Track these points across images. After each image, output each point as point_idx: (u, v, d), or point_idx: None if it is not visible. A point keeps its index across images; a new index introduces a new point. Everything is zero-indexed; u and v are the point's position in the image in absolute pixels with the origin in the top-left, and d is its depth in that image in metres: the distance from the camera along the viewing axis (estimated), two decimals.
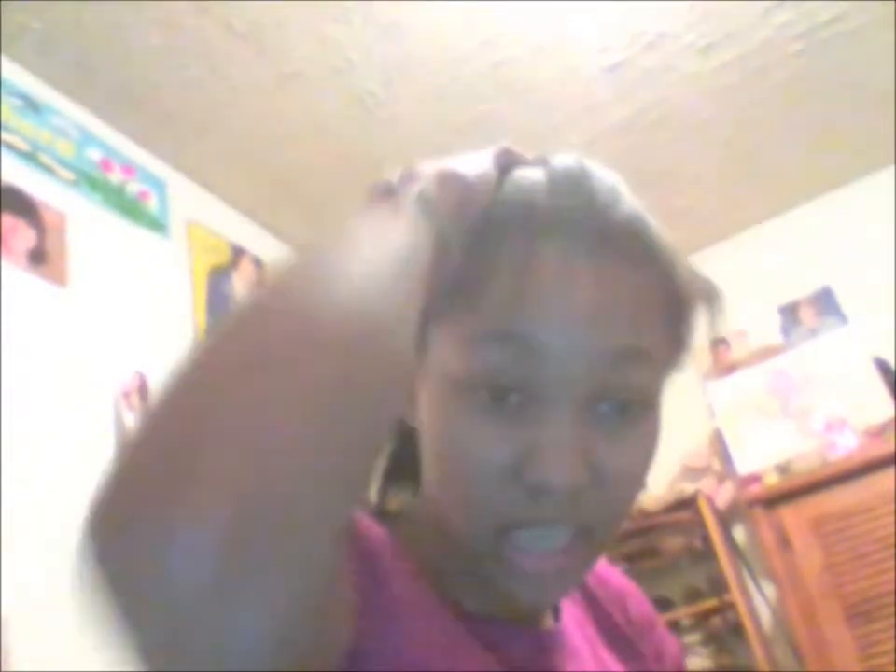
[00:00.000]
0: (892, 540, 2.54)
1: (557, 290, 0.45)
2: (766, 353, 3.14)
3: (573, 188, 0.47)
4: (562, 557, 0.46)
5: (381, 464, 0.60)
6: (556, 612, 0.58)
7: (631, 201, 0.50)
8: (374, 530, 0.50)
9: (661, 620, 0.66)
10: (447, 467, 0.48)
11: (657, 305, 0.49)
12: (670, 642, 0.66)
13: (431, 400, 0.49)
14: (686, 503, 2.96)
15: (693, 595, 3.00)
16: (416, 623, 0.47)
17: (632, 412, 0.47)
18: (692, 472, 3.12)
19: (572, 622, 0.59)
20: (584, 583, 0.63)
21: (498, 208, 0.47)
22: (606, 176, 0.50)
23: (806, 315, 3.23)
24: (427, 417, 0.49)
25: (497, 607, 0.52)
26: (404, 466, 0.59)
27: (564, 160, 0.49)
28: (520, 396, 0.45)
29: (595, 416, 0.46)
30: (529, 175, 0.48)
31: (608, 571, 0.67)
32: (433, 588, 0.50)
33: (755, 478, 2.91)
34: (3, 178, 2.01)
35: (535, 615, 0.56)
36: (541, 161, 0.50)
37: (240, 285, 2.69)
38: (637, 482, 0.49)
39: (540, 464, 0.44)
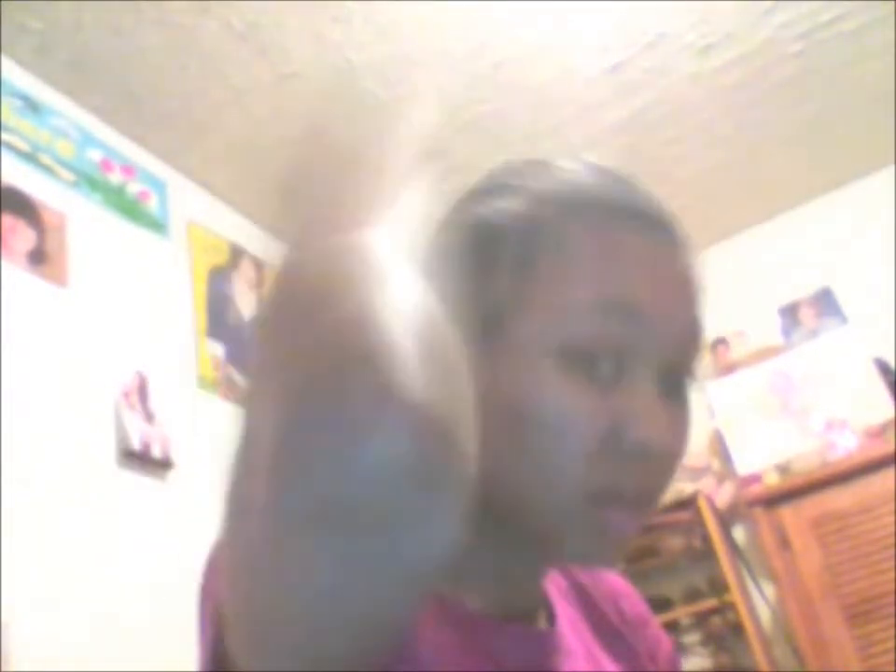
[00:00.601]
0: (892, 540, 2.54)
1: (649, 263, 0.49)
2: (766, 353, 3.14)
3: (624, 179, 0.53)
4: (634, 522, 0.49)
5: None
6: (550, 613, 0.58)
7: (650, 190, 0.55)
8: None
9: (655, 619, 0.67)
10: (535, 435, 0.48)
11: (697, 289, 0.53)
12: (664, 641, 0.66)
13: (517, 374, 0.49)
14: (686, 503, 2.96)
15: (693, 595, 3.00)
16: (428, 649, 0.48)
17: (685, 388, 0.51)
18: (691, 472, 3.12)
19: (566, 622, 0.59)
20: (578, 581, 0.63)
21: (564, 195, 0.51)
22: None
23: (806, 315, 3.23)
24: (505, 389, 0.49)
25: (500, 604, 0.53)
26: None
27: (586, 159, 0.54)
28: (612, 364, 0.48)
29: (663, 389, 0.49)
30: (577, 169, 0.53)
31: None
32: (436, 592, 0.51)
33: (755, 478, 2.91)
34: (3, 179, 2.01)
35: (533, 613, 0.56)
36: (546, 164, 0.53)
37: (240, 285, 2.69)
38: (682, 459, 0.51)
39: (641, 429, 0.47)
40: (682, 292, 0.50)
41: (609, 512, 0.48)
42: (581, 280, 0.49)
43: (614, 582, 0.67)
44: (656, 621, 0.66)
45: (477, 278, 0.51)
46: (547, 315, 0.49)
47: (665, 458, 0.49)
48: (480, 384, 0.49)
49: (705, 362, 3.18)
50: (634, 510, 0.49)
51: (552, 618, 0.58)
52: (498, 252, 0.51)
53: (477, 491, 0.50)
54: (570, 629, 0.58)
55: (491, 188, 0.55)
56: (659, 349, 0.49)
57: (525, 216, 0.51)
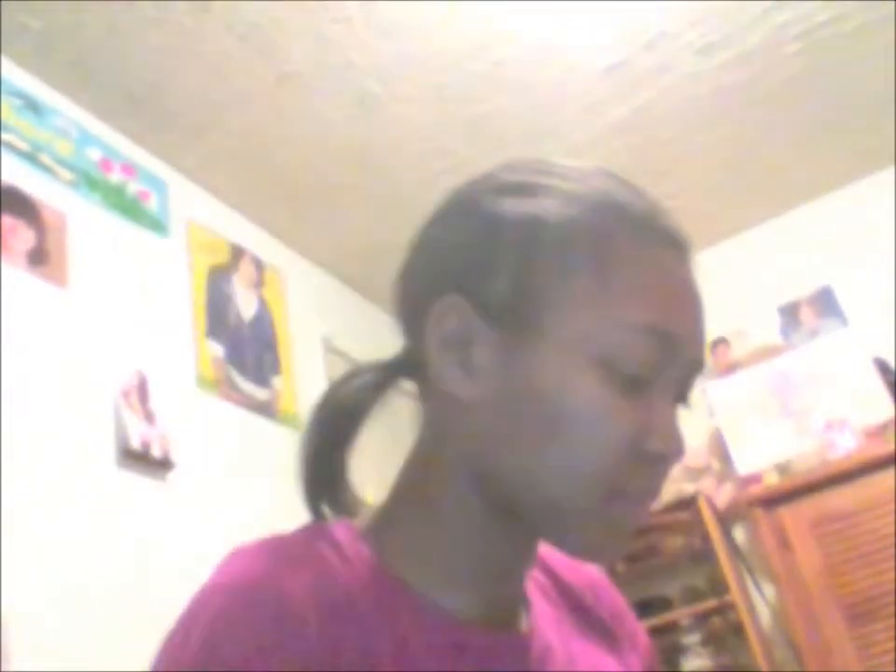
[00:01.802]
0: (892, 540, 2.53)
1: (683, 290, 0.54)
2: (766, 353, 3.13)
3: (656, 202, 0.56)
4: (639, 515, 0.53)
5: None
6: (530, 612, 0.59)
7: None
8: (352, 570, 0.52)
9: (632, 612, 0.69)
10: (567, 433, 0.50)
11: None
12: (641, 634, 0.68)
13: (556, 371, 0.51)
14: (686, 503, 2.96)
15: (693, 596, 3.00)
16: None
17: (688, 399, 0.55)
18: (691, 472, 3.12)
19: (548, 620, 0.60)
20: (558, 576, 0.65)
21: (616, 206, 0.53)
22: None
23: (806, 315, 3.23)
24: (539, 384, 0.51)
25: (485, 604, 0.55)
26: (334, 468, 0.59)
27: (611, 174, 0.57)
28: (644, 379, 0.51)
29: (677, 397, 0.54)
30: (625, 191, 0.55)
31: (574, 560, 0.68)
32: (415, 596, 0.53)
33: (755, 478, 2.91)
34: (3, 178, 2.01)
35: (513, 614, 0.57)
36: (580, 173, 0.56)
37: (239, 285, 2.69)
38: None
39: (663, 440, 0.51)
40: (701, 315, 0.54)
41: (618, 506, 0.51)
42: (631, 300, 0.51)
43: (592, 574, 0.68)
44: (632, 614, 0.68)
45: (515, 267, 0.52)
46: (593, 322, 0.51)
47: (673, 462, 0.53)
48: (511, 371, 0.51)
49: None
50: (638, 504, 0.53)
51: (531, 620, 0.58)
52: (541, 247, 0.52)
53: (490, 480, 0.52)
54: (551, 628, 0.59)
55: (524, 185, 0.55)
56: (681, 367, 0.53)
57: (575, 219, 0.52)
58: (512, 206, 0.53)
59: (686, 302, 0.53)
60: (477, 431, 0.53)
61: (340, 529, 0.54)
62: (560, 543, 0.54)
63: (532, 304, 0.51)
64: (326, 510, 0.58)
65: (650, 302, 0.51)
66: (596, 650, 0.62)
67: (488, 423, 0.52)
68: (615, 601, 0.67)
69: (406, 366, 0.59)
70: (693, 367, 0.54)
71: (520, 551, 0.57)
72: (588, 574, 0.67)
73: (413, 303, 0.57)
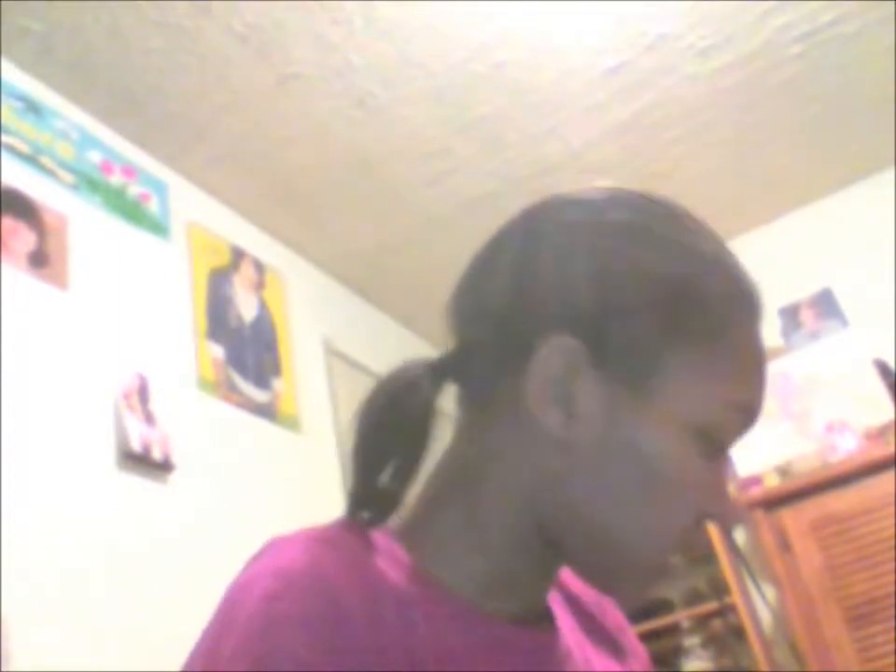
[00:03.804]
0: (893, 542, 2.53)
1: (765, 364, 0.58)
2: (767, 354, 3.13)
3: (744, 267, 0.59)
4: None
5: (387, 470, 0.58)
6: (552, 620, 0.60)
7: None
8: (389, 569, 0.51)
9: (630, 627, 0.70)
10: (660, 496, 0.52)
11: None
12: (640, 647, 0.69)
13: (658, 436, 0.52)
14: None
15: (694, 598, 3.00)
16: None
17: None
18: None
19: (565, 628, 0.61)
20: (569, 591, 0.66)
21: (738, 292, 0.57)
22: None
23: (807, 316, 3.23)
24: (640, 444, 0.52)
25: (517, 611, 0.56)
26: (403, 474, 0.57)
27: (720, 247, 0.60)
28: (726, 449, 0.55)
29: None
30: (737, 266, 0.59)
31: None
32: (450, 594, 0.53)
33: (755, 480, 2.91)
34: (3, 180, 2.01)
35: (543, 617, 0.59)
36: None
37: (240, 286, 2.69)
38: None
39: (725, 501, 0.55)
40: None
41: (671, 563, 0.55)
42: (733, 378, 0.54)
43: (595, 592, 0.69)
44: (632, 629, 0.70)
45: (647, 327, 0.53)
46: (698, 396, 0.53)
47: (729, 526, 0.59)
48: (614, 424, 0.53)
49: None
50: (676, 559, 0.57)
51: (554, 625, 0.60)
52: (681, 313, 0.53)
53: (554, 520, 0.52)
54: (568, 633, 0.61)
55: (661, 239, 0.55)
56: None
57: (715, 290, 0.54)
58: (658, 263, 0.54)
59: (765, 376, 0.57)
60: (560, 472, 0.53)
61: (373, 526, 0.54)
62: (604, 587, 0.58)
63: (649, 366, 0.52)
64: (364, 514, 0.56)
65: (748, 382, 0.55)
66: (605, 657, 0.63)
67: (577, 468, 0.53)
68: (616, 615, 0.69)
69: (456, 370, 0.57)
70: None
71: (551, 574, 0.59)
72: (593, 591, 0.68)
73: (509, 327, 0.55)
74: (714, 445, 0.53)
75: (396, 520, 0.56)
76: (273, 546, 0.51)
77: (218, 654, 0.45)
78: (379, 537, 0.53)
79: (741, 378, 0.54)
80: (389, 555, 0.52)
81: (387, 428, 0.54)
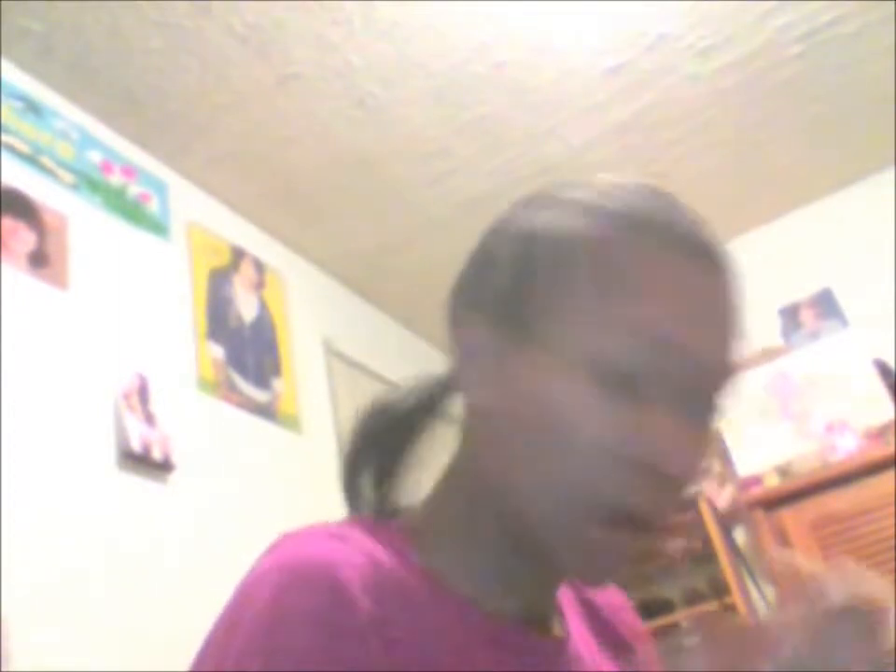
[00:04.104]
0: (893, 543, 2.53)
1: (701, 300, 0.51)
2: (767, 355, 3.13)
3: (685, 211, 0.55)
4: (635, 545, 0.50)
5: (377, 463, 0.61)
6: (563, 622, 0.60)
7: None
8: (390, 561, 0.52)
9: (650, 637, 0.69)
10: (552, 440, 0.49)
11: (737, 320, 0.53)
12: (655, 658, 0.68)
13: (546, 376, 0.50)
14: (686, 505, 2.96)
15: (694, 597, 2.99)
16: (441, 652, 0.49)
17: (712, 412, 0.52)
18: None
19: (576, 632, 0.61)
20: (584, 595, 0.66)
21: (614, 212, 0.52)
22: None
23: (807, 316, 3.23)
24: (531, 391, 0.50)
25: (515, 609, 0.55)
26: (397, 467, 0.60)
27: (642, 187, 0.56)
28: (639, 384, 0.49)
29: (690, 411, 0.50)
30: (649, 203, 0.54)
31: None
32: (454, 591, 0.53)
33: (755, 480, 2.91)
34: (3, 180, 2.01)
35: (548, 619, 0.58)
36: (643, 186, 0.55)
37: (240, 287, 2.69)
38: (693, 482, 0.52)
39: (663, 449, 0.48)
40: (722, 325, 0.52)
41: (611, 534, 0.49)
42: (629, 304, 0.50)
43: (614, 596, 0.69)
44: (650, 638, 0.68)
45: (512, 280, 0.52)
46: (586, 328, 0.50)
47: (678, 481, 0.50)
48: (513, 381, 0.51)
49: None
50: (637, 531, 0.50)
51: (564, 627, 0.60)
52: (538, 259, 0.52)
53: (502, 495, 0.52)
54: (579, 637, 0.60)
55: (541, 200, 0.56)
56: (692, 379, 0.50)
57: (573, 229, 0.52)
58: (515, 222, 0.55)
59: (699, 311, 0.51)
60: (489, 443, 0.53)
61: (380, 524, 0.55)
62: (558, 565, 0.54)
63: (532, 316, 0.51)
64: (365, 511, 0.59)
65: (650, 307, 0.49)
66: (616, 666, 0.63)
67: (498, 434, 0.52)
68: (635, 623, 0.68)
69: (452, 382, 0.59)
70: (708, 379, 0.51)
71: (550, 573, 0.57)
72: (611, 595, 0.68)
73: (448, 321, 0.58)
74: (618, 376, 0.48)
75: (410, 517, 0.58)
76: (283, 541, 0.52)
77: (229, 649, 0.46)
78: (388, 533, 0.54)
79: (639, 304, 0.49)
80: (396, 552, 0.52)
81: (368, 435, 0.59)
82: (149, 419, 2.10)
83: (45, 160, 2.16)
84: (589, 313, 0.50)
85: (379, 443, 0.60)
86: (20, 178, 2.06)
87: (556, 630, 0.58)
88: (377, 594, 0.48)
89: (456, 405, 0.60)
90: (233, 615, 0.48)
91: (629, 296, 0.50)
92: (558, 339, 0.50)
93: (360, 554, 0.50)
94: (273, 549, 0.52)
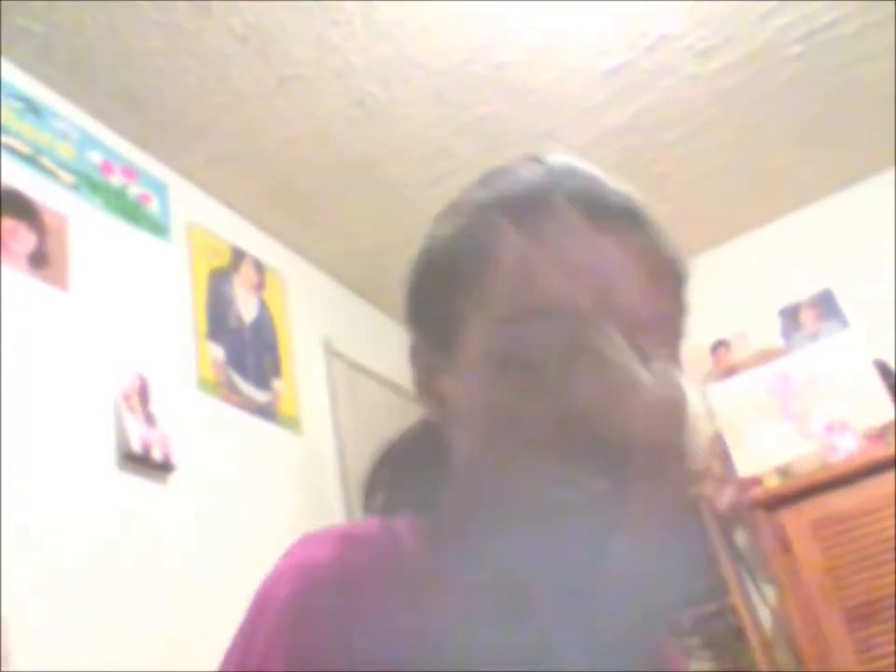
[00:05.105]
0: (893, 543, 2.53)
1: (577, 254, 0.49)
2: (767, 355, 3.13)
3: (570, 171, 0.54)
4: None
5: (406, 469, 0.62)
6: None
7: (617, 181, 0.55)
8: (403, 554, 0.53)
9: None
10: (493, 437, 0.50)
11: (661, 273, 0.52)
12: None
13: (467, 379, 0.52)
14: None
15: (694, 598, 2.99)
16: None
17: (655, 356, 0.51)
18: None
19: None
20: None
21: (507, 196, 0.54)
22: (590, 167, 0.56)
23: (807, 317, 3.23)
24: (464, 394, 0.52)
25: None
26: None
27: (553, 156, 0.56)
28: (551, 360, 0.48)
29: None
30: (527, 167, 0.55)
31: None
32: (463, 569, 0.53)
33: (755, 480, 2.91)
34: (3, 181, 2.01)
35: None
36: (531, 159, 0.56)
37: (240, 287, 2.69)
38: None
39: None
40: (609, 271, 0.49)
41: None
42: (503, 293, 0.51)
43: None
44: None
45: (439, 297, 0.55)
46: (482, 327, 0.51)
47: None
48: (451, 391, 0.53)
49: (705, 365, 3.19)
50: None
51: None
52: (451, 270, 0.55)
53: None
54: None
55: (445, 209, 0.60)
56: (608, 335, 0.47)
57: (464, 231, 0.55)
58: (424, 238, 0.59)
59: (576, 266, 0.49)
60: (455, 442, 0.55)
61: (402, 524, 0.56)
62: None
63: (450, 326, 0.54)
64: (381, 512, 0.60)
65: (522, 286, 0.49)
66: None
67: (455, 437, 0.54)
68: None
69: None
70: (628, 326, 0.48)
71: None
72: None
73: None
74: (522, 364, 0.48)
75: (424, 516, 0.58)
76: (302, 542, 0.53)
77: (251, 651, 0.47)
78: (407, 533, 0.55)
79: (509, 286, 0.50)
80: (413, 552, 0.53)
81: (385, 460, 0.62)
82: (149, 419, 2.10)
83: (45, 160, 2.16)
84: (482, 311, 0.52)
85: (394, 463, 0.62)
86: (20, 179, 2.06)
87: None
88: (394, 595, 0.49)
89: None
90: (255, 616, 0.49)
91: (506, 286, 0.50)
92: (470, 342, 0.52)
93: (375, 554, 0.51)
94: (291, 550, 0.53)
